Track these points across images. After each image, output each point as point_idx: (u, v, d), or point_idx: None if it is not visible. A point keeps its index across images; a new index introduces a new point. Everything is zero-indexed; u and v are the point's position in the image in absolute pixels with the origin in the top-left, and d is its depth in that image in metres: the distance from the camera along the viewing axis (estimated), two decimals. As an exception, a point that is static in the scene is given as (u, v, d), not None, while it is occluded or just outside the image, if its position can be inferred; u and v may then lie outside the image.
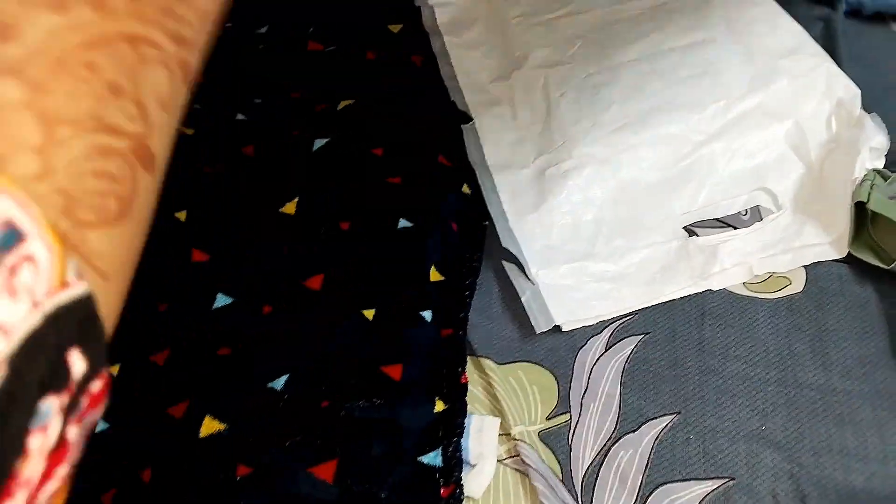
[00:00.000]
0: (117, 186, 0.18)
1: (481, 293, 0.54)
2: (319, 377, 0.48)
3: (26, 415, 0.16)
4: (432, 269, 0.54)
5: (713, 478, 0.45)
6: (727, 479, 0.45)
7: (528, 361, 0.51)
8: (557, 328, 0.51)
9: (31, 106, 0.16)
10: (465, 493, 0.46)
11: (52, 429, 0.17)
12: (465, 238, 0.56)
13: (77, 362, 0.17)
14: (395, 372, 0.49)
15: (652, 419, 0.48)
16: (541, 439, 0.48)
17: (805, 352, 0.50)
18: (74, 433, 0.18)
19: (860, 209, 0.53)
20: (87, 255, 0.17)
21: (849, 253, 0.53)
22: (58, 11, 0.16)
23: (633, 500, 0.45)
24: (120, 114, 0.18)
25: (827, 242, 0.54)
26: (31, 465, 0.16)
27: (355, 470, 0.44)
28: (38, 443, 0.16)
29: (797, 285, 0.53)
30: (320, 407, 0.47)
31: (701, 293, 0.52)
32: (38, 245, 0.15)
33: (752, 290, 0.53)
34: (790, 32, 0.62)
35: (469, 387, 0.50)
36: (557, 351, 0.51)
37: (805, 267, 0.53)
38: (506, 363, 0.51)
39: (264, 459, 0.45)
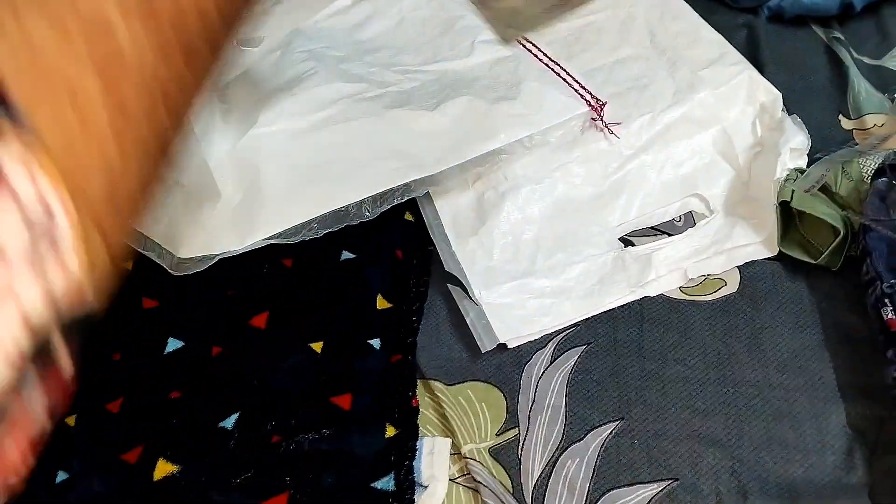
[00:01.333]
0: None
1: (429, 316, 0.56)
2: (269, 413, 0.49)
3: None
4: (379, 297, 0.55)
5: (658, 480, 0.47)
6: (671, 481, 0.46)
7: (476, 380, 0.52)
8: (503, 345, 0.53)
9: None
10: (418, 515, 0.47)
11: None
12: (411, 264, 0.57)
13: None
14: (344, 402, 0.50)
15: (597, 427, 0.49)
16: (491, 455, 0.49)
17: (742, 350, 0.51)
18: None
19: (787, 208, 0.55)
20: None
21: (780, 251, 0.55)
22: None
23: (581, 508, 0.46)
24: None
25: (758, 242, 0.56)
26: None
27: (306, 502, 0.45)
28: None
29: (732, 286, 0.54)
30: (270, 442, 0.48)
31: (639, 301, 0.54)
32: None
33: (688, 294, 0.54)
34: (712, 43, 0.64)
35: (420, 409, 0.51)
36: (504, 367, 0.52)
37: (739, 268, 0.55)
38: (455, 384, 0.52)
39: (216, 498, 0.46)
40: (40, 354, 0.18)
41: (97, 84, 0.18)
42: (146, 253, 0.49)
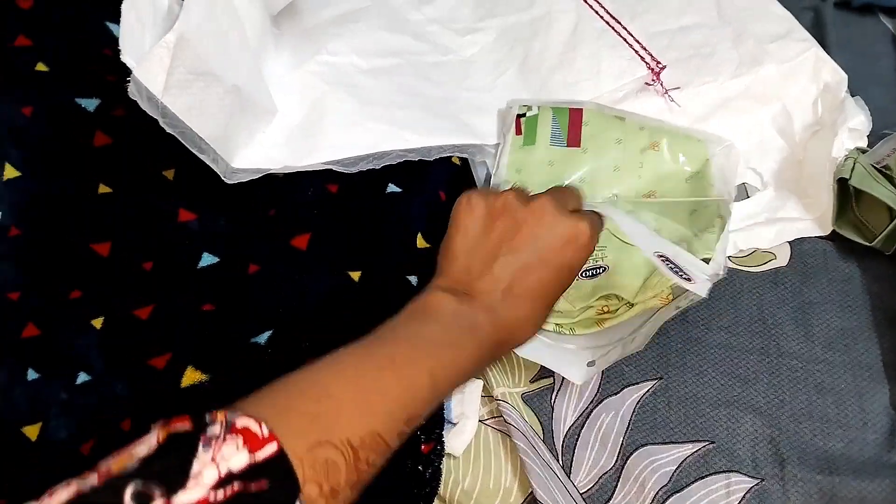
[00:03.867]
0: None
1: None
2: (304, 333, 0.48)
3: None
4: (418, 236, 0.54)
5: (693, 441, 0.46)
6: (707, 443, 0.45)
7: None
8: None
9: None
10: (446, 450, 0.46)
11: None
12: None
13: None
14: (379, 332, 0.49)
15: (634, 384, 0.48)
16: (524, 401, 0.48)
17: (788, 322, 0.50)
18: None
19: (844, 188, 0.53)
20: None
21: (833, 230, 0.54)
22: None
23: (614, 461, 0.45)
24: None
25: (810, 219, 0.54)
26: None
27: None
28: None
29: (782, 260, 0.53)
30: (304, 362, 0.47)
31: (686, 265, 0.53)
32: None
33: (736, 264, 0.53)
34: (780, 18, 0.63)
35: (453, 350, 0.50)
36: (542, 318, 0.51)
37: (790, 243, 0.54)
38: (490, 329, 0.51)
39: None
40: None
41: None
42: (200, 156, 0.48)
